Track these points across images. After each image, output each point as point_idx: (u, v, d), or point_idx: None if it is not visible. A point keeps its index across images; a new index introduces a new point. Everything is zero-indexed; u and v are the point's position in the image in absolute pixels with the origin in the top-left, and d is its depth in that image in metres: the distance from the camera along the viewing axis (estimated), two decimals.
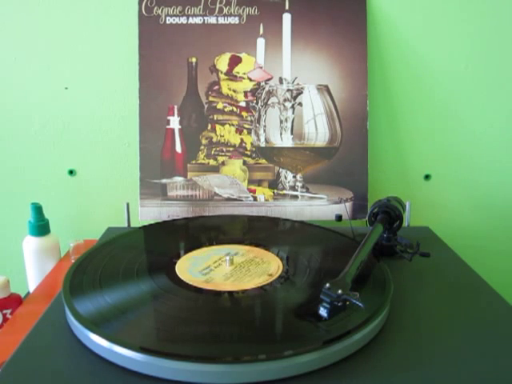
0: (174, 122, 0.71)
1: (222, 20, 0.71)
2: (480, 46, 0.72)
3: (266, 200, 0.72)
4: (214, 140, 0.72)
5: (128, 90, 0.73)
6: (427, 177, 0.77)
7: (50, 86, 0.73)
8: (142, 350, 0.35)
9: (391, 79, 0.74)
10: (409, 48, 0.73)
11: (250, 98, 0.71)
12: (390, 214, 0.58)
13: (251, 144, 0.72)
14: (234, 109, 0.71)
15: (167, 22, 0.70)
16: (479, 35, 0.72)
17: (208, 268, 0.49)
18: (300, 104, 0.71)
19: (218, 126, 0.71)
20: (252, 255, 0.53)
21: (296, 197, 0.72)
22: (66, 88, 0.73)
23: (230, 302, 0.43)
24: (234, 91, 0.71)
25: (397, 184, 0.77)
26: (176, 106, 0.71)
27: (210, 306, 0.42)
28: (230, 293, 0.44)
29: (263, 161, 0.72)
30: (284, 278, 0.47)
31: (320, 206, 0.71)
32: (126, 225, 0.69)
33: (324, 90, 0.71)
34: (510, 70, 0.73)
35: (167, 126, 0.71)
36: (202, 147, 0.72)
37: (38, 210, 0.64)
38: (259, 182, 0.72)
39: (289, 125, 0.71)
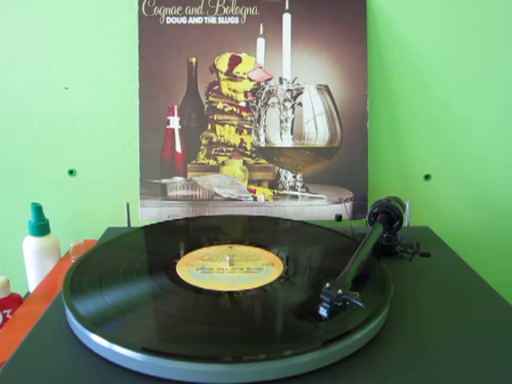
0: (174, 122, 0.71)
1: (222, 20, 0.71)
2: (480, 45, 0.72)
3: (266, 200, 0.72)
4: (214, 140, 0.72)
5: (128, 90, 0.73)
6: (427, 177, 0.77)
7: (49, 86, 0.73)
8: (142, 349, 0.35)
9: (391, 79, 0.74)
10: (409, 48, 0.73)
11: (250, 97, 0.71)
12: (389, 213, 0.58)
13: (251, 144, 0.72)
14: (234, 109, 0.71)
15: (167, 22, 0.70)
16: (479, 35, 0.72)
17: (208, 268, 0.49)
18: (300, 104, 0.71)
19: (217, 126, 0.71)
20: (252, 255, 0.53)
21: (296, 197, 0.72)
22: (66, 88, 0.73)
23: (229, 302, 0.43)
24: (234, 91, 0.71)
25: (397, 184, 0.77)
26: (176, 106, 0.71)
27: (210, 306, 0.42)
28: (230, 293, 0.44)
29: (263, 161, 0.72)
30: (284, 278, 0.47)
31: (320, 206, 0.71)
32: (126, 225, 0.69)
33: (324, 89, 0.71)
34: (509, 70, 0.73)
35: (167, 126, 0.71)
36: (202, 147, 0.72)
37: (37, 209, 0.64)
38: (259, 182, 0.72)
39: (289, 125, 0.71)
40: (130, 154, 0.75)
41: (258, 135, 0.72)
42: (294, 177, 0.72)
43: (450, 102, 0.75)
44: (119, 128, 0.75)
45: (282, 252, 0.54)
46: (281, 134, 0.71)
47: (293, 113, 0.71)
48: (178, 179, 0.71)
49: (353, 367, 0.36)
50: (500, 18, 0.71)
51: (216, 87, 0.71)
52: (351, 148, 0.71)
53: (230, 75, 0.71)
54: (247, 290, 0.45)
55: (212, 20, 0.71)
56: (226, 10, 0.70)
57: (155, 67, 0.70)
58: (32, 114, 0.74)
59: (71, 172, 0.76)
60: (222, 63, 0.71)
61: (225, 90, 0.71)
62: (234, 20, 0.71)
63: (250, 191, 0.72)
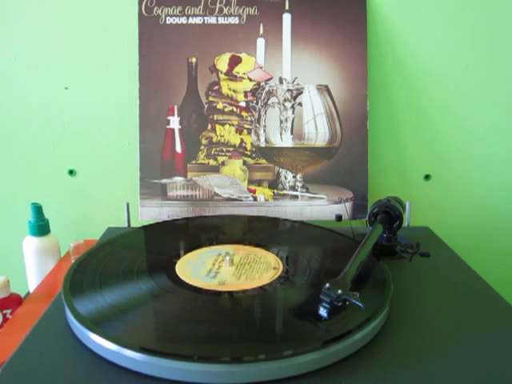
0: (174, 122, 0.71)
1: (222, 20, 0.71)
2: (480, 46, 0.72)
3: (266, 200, 0.72)
4: (214, 140, 0.72)
5: (128, 90, 0.73)
6: (427, 177, 0.77)
7: (49, 86, 0.73)
8: (143, 349, 0.35)
9: (391, 79, 0.74)
10: (409, 48, 0.73)
11: (250, 98, 0.71)
12: (389, 213, 0.58)
13: (251, 144, 0.72)
14: (234, 109, 0.71)
15: (167, 22, 0.70)
16: (479, 35, 0.72)
17: (210, 269, 0.49)
18: (300, 104, 0.71)
19: (217, 126, 0.71)
20: (252, 255, 0.53)
21: (296, 197, 0.72)
22: (66, 88, 0.73)
23: (229, 301, 0.43)
24: (234, 91, 0.71)
25: (397, 184, 0.77)
26: (176, 106, 0.71)
27: (210, 305, 0.42)
28: (230, 293, 0.44)
29: (263, 161, 0.72)
30: (284, 278, 0.47)
31: (320, 206, 0.71)
32: (126, 225, 0.69)
33: (324, 90, 0.71)
34: (509, 71, 0.73)
35: (167, 126, 0.71)
36: (202, 147, 0.72)
37: (37, 209, 0.64)
38: (259, 182, 0.72)
39: (289, 125, 0.71)
40: (129, 154, 0.75)
41: (258, 135, 0.72)
42: (294, 177, 0.72)
43: (450, 101, 0.75)
44: (119, 128, 0.75)
45: (282, 252, 0.54)
46: (281, 133, 0.71)
47: (293, 113, 0.71)
48: (178, 179, 0.71)
49: (353, 367, 0.36)
50: (501, 17, 0.71)
51: (216, 87, 0.71)
52: (351, 148, 0.71)
53: (230, 75, 0.71)
54: (247, 290, 0.45)
55: (212, 20, 0.71)
56: (226, 10, 0.70)
57: (155, 67, 0.70)
58: (32, 113, 0.74)
59: (71, 172, 0.76)
60: (222, 63, 0.71)
61: (225, 90, 0.71)
62: (234, 20, 0.71)
63: (250, 191, 0.72)
